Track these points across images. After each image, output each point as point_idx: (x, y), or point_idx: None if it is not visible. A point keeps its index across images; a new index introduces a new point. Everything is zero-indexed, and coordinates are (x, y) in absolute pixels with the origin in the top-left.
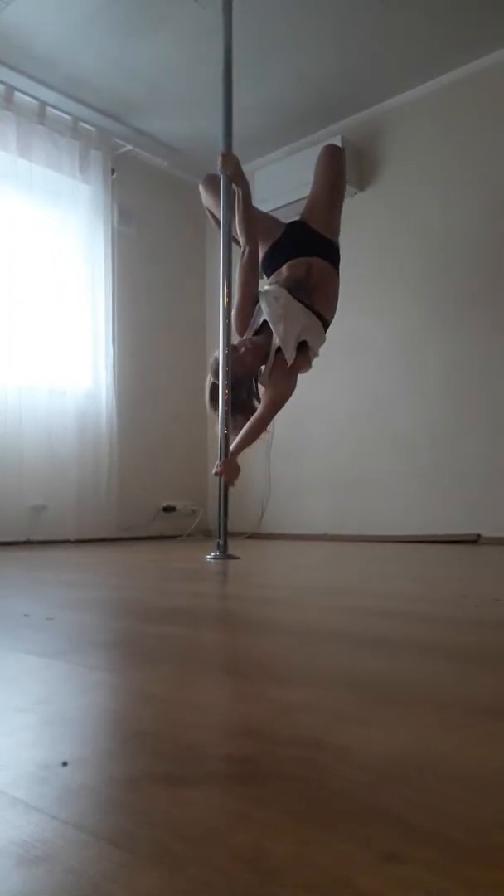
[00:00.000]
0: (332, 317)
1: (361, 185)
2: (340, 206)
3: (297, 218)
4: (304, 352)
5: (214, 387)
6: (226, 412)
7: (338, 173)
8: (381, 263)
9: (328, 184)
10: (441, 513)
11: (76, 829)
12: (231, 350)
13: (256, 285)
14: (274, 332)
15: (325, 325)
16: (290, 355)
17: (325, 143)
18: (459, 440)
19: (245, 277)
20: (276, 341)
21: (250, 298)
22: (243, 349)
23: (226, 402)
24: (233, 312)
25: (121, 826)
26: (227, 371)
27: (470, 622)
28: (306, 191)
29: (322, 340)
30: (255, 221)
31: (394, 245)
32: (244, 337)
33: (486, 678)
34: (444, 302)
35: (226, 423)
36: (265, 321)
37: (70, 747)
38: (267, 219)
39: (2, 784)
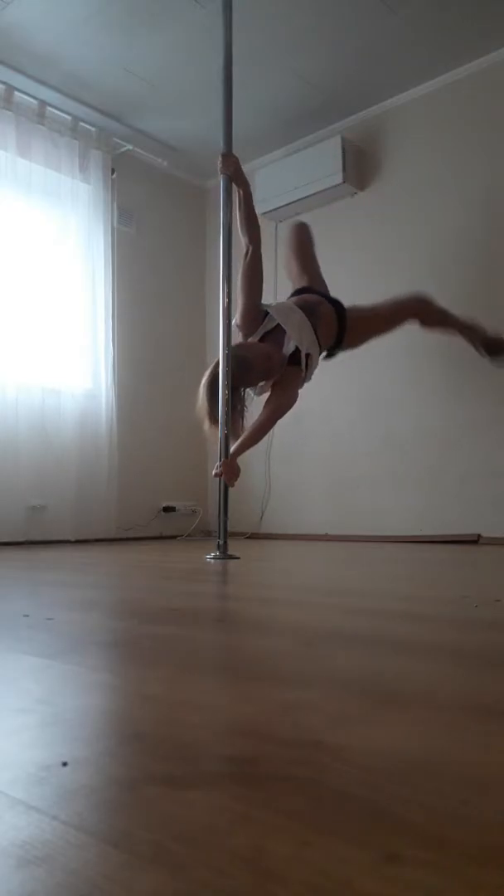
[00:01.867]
0: (323, 351)
1: (361, 185)
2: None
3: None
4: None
5: (216, 379)
6: (226, 412)
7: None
8: (381, 263)
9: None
10: (441, 513)
11: (76, 829)
12: (261, 356)
13: (261, 287)
14: (293, 339)
15: (319, 353)
16: (304, 365)
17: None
18: (459, 440)
19: (249, 278)
20: (286, 351)
21: (256, 300)
22: (276, 357)
23: (226, 403)
24: (238, 314)
25: (121, 827)
26: (227, 371)
27: (470, 622)
28: (305, 190)
29: (317, 364)
30: (256, 222)
31: (393, 245)
32: (251, 340)
33: (487, 678)
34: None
35: (226, 423)
36: (271, 331)
37: (70, 748)
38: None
39: (1, 784)
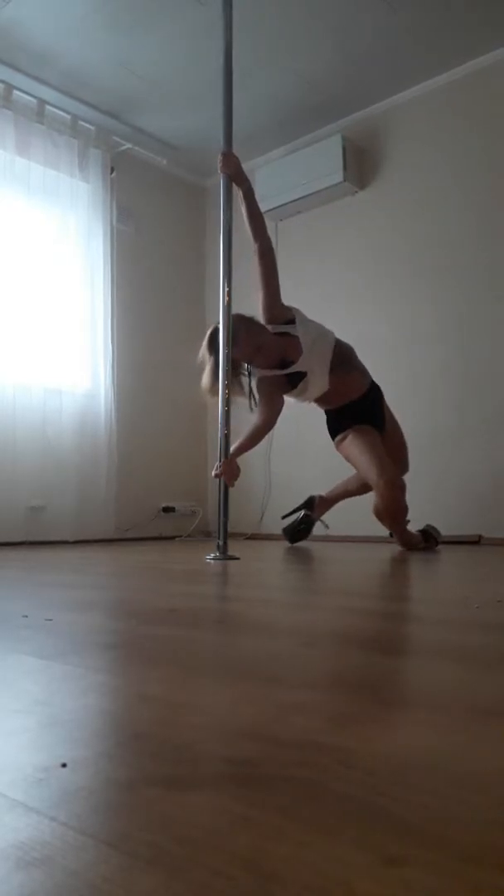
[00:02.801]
0: (315, 395)
1: (361, 184)
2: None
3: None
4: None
5: (214, 334)
6: (225, 412)
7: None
8: (381, 262)
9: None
10: (442, 514)
11: (75, 831)
12: (249, 344)
13: (276, 277)
14: (307, 360)
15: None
16: (316, 391)
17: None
18: (461, 441)
19: (264, 268)
20: (291, 369)
21: (274, 288)
22: (267, 358)
23: (225, 403)
24: (265, 304)
25: (120, 828)
26: (227, 370)
27: (471, 623)
28: (306, 189)
29: (310, 396)
30: (261, 217)
31: (394, 244)
32: (269, 327)
33: (487, 679)
34: (445, 301)
35: (226, 424)
36: (291, 336)
37: (69, 749)
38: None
39: (0, 786)
